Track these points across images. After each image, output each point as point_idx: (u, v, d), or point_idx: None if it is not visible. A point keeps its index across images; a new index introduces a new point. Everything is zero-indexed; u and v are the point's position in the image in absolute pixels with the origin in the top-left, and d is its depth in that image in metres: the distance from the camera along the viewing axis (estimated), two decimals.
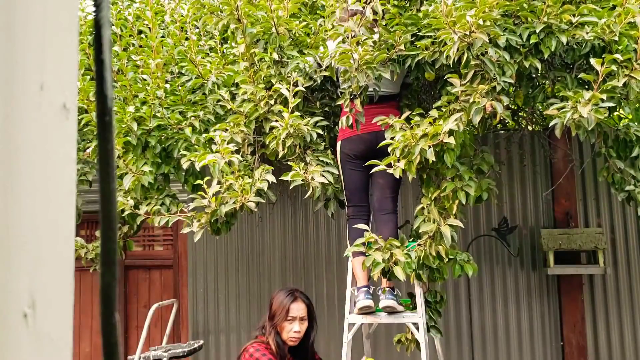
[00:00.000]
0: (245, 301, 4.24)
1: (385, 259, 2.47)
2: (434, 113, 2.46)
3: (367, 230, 2.64)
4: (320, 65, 2.82)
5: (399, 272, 2.45)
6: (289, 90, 2.61)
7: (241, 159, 2.70)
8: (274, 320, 2.34)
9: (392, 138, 2.45)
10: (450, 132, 2.32)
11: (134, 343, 4.28)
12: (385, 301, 2.63)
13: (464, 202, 2.44)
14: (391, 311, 2.65)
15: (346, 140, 2.83)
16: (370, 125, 2.72)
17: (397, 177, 2.45)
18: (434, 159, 2.32)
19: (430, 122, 2.39)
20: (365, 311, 2.67)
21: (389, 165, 2.42)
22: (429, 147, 2.32)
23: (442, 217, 2.50)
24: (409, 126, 2.44)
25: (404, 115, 2.53)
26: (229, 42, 3.26)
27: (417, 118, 2.46)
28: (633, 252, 3.95)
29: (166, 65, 3.18)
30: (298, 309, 2.38)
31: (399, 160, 2.39)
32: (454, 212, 2.48)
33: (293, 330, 2.34)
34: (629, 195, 2.70)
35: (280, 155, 2.69)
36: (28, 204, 0.48)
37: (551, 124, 2.35)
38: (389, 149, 2.45)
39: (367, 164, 2.63)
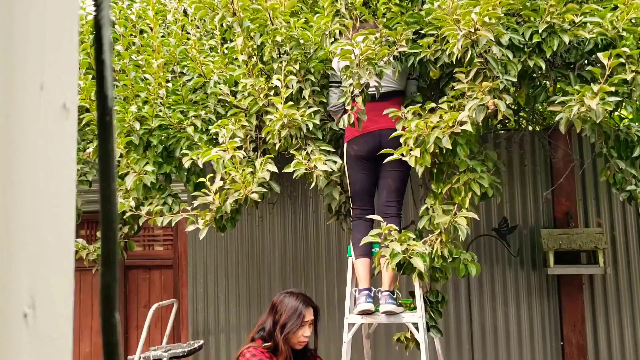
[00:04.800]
0: (245, 301, 4.24)
1: (402, 251, 2.44)
2: (444, 107, 2.45)
3: (380, 220, 2.58)
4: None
5: (417, 262, 2.40)
6: (280, 81, 2.60)
7: (245, 154, 2.69)
8: (288, 327, 2.31)
9: (403, 129, 2.43)
10: (463, 123, 2.31)
11: (134, 343, 4.28)
12: (385, 306, 2.62)
13: (478, 193, 2.43)
14: (391, 314, 2.65)
15: (351, 141, 2.77)
16: (373, 123, 2.67)
17: (407, 174, 2.41)
18: (449, 147, 2.29)
19: (441, 115, 2.38)
20: (366, 314, 2.67)
21: (403, 156, 2.39)
22: (443, 135, 2.31)
23: (447, 212, 2.49)
24: (421, 116, 2.41)
25: (412, 108, 2.51)
26: (227, 37, 3.27)
27: (428, 113, 2.45)
28: (633, 252, 3.94)
29: (167, 64, 3.18)
30: (310, 314, 2.38)
31: (411, 150, 2.37)
32: (466, 206, 2.46)
33: (303, 335, 2.34)
34: (630, 195, 2.70)
35: (277, 147, 2.67)
36: (28, 204, 0.48)
37: (557, 118, 2.34)
38: (401, 140, 2.43)
39: (380, 152, 2.56)
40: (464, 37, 2.26)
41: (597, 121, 2.23)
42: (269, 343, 2.30)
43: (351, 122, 2.64)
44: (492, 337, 3.97)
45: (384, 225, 2.50)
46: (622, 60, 2.23)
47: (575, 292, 3.87)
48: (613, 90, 2.21)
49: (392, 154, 2.45)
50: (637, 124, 2.77)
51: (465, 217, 2.43)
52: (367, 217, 2.77)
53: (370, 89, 2.63)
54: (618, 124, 2.75)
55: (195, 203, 2.73)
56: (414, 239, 2.49)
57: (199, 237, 2.75)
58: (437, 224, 2.48)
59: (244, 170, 2.58)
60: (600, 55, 2.24)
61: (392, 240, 2.47)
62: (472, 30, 2.25)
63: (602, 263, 3.62)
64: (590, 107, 2.18)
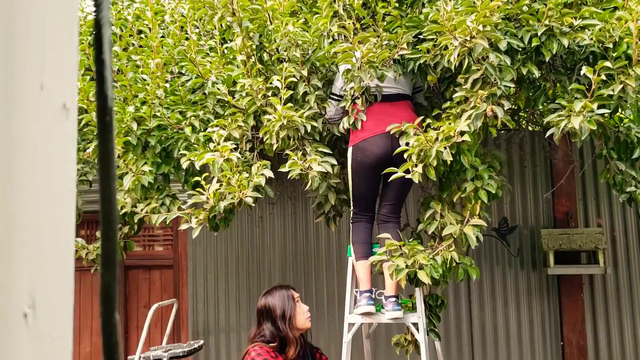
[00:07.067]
0: (245, 301, 4.24)
1: (409, 265, 2.43)
2: (452, 111, 2.46)
3: (387, 237, 2.60)
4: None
5: (423, 276, 2.41)
6: (280, 82, 2.59)
7: (240, 156, 2.69)
8: (287, 312, 2.33)
9: (406, 144, 2.43)
10: (463, 133, 2.32)
11: (134, 343, 4.28)
12: (392, 313, 2.60)
13: (486, 201, 2.44)
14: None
15: (357, 147, 2.67)
16: (383, 125, 2.61)
17: (414, 183, 2.43)
18: (450, 159, 2.31)
19: (440, 127, 2.39)
20: (366, 315, 2.68)
21: (407, 172, 2.39)
22: (445, 148, 2.31)
23: (458, 221, 2.50)
24: (423, 130, 2.42)
25: (417, 120, 2.51)
26: (226, 38, 3.26)
27: (431, 121, 2.45)
28: (633, 252, 3.95)
29: (166, 65, 3.18)
30: (294, 292, 2.43)
31: (416, 165, 2.37)
32: (477, 213, 2.46)
33: (305, 310, 2.39)
34: (630, 196, 2.70)
35: (274, 148, 2.67)
36: (28, 204, 0.48)
37: (548, 133, 2.36)
38: (405, 155, 2.41)
39: (385, 172, 2.54)
40: (460, 46, 2.26)
41: (582, 138, 2.25)
42: (275, 343, 2.30)
43: (351, 122, 2.63)
44: (492, 337, 3.97)
45: (387, 242, 2.53)
46: (603, 76, 2.24)
47: (575, 292, 3.87)
48: (595, 107, 2.22)
49: (398, 166, 2.47)
50: (637, 125, 2.77)
51: (474, 226, 2.43)
52: (368, 223, 2.78)
53: (371, 92, 2.62)
54: (618, 125, 2.75)
55: (190, 202, 2.73)
56: (421, 251, 2.49)
57: (193, 236, 2.76)
58: (449, 233, 2.49)
59: (239, 174, 2.58)
60: (584, 69, 2.25)
61: (398, 256, 2.48)
62: (468, 38, 2.24)
63: (602, 263, 3.62)
64: (574, 126, 2.20)
